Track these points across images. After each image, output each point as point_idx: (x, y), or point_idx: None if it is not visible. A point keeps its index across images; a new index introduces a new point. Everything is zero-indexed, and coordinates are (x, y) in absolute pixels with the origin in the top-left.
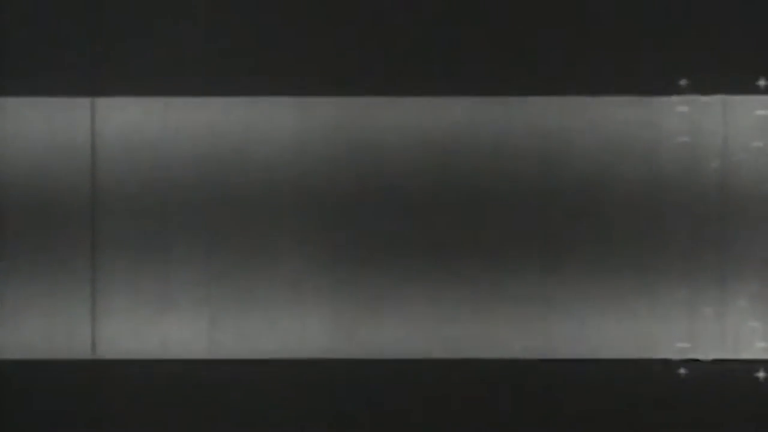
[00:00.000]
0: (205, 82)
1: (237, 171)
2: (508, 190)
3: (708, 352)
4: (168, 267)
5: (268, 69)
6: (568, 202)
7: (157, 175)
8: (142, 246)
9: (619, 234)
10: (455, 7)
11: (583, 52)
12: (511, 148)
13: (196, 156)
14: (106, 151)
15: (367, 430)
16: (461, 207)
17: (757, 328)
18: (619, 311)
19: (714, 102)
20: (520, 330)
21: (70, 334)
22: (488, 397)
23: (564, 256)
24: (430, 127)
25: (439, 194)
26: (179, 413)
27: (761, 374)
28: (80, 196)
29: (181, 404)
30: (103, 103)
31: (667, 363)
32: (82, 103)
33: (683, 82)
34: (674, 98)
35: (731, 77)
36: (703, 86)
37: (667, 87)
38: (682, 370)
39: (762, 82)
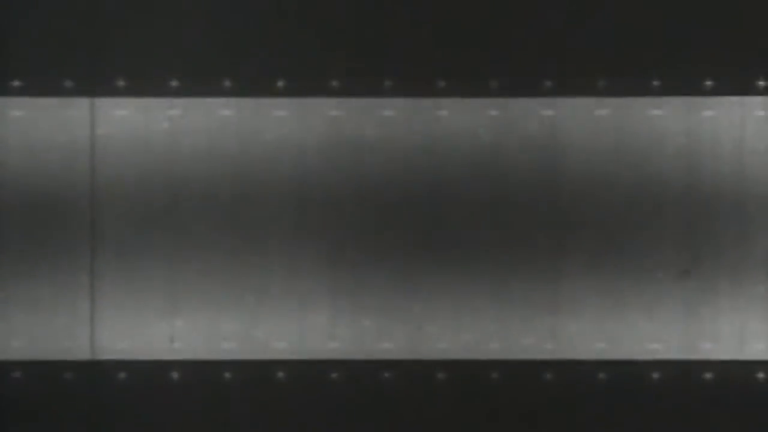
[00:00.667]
0: (205, 83)
1: (238, 171)
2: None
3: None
4: (168, 266)
5: (269, 69)
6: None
7: (157, 176)
8: (142, 246)
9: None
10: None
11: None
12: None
13: (196, 156)
14: (105, 151)
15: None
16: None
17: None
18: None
19: None
20: (521, 330)
21: (69, 334)
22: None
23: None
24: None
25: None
26: (179, 414)
27: (761, 375)
28: (79, 196)
29: (181, 404)
30: (103, 103)
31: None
32: (81, 103)
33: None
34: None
35: None
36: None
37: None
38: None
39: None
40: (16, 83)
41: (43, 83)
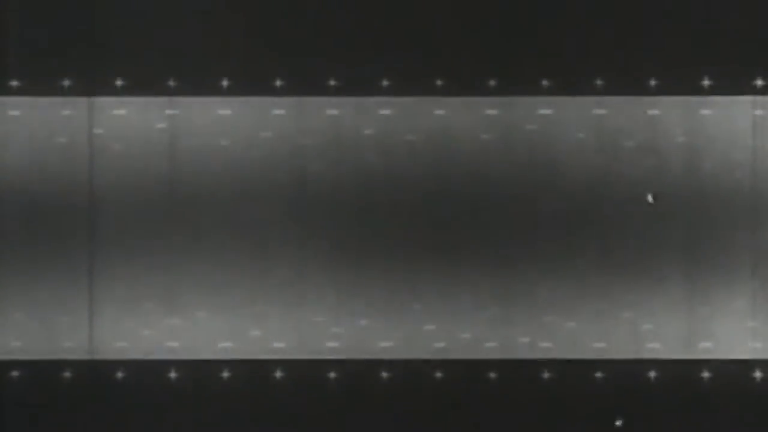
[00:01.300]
0: (205, 83)
1: (237, 170)
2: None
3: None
4: (168, 266)
5: (269, 69)
6: None
7: (156, 175)
8: (141, 245)
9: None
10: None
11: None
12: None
13: (196, 155)
14: (103, 149)
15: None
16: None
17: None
18: None
19: None
20: (522, 329)
21: (69, 334)
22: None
23: None
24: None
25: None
26: (179, 414)
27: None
28: (78, 194)
29: (181, 405)
30: (101, 102)
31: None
32: (80, 102)
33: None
34: None
35: None
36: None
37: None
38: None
39: None
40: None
41: (43, 83)
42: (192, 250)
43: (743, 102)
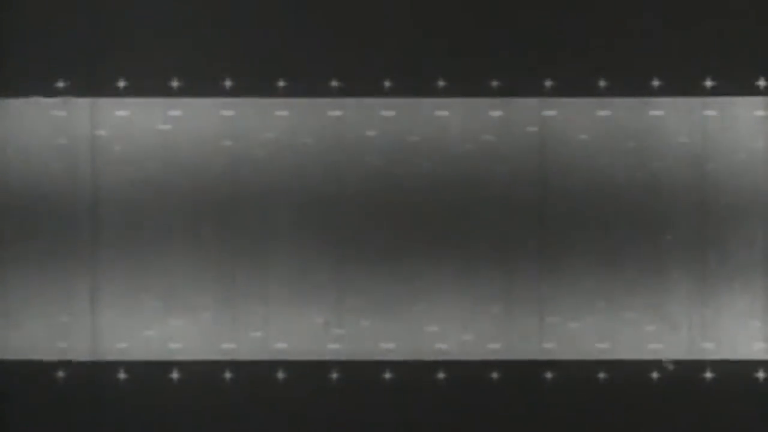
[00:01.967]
0: (206, 83)
1: (239, 171)
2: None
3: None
4: (169, 267)
5: (269, 69)
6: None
7: (158, 176)
8: (143, 247)
9: None
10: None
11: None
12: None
13: (197, 156)
14: (106, 151)
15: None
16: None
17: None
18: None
19: None
20: (522, 330)
21: (70, 335)
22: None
23: None
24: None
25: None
26: (177, 414)
27: (761, 375)
28: (80, 197)
29: (179, 406)
30: (103, 103)
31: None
32: (82, 103)
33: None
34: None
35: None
36: None
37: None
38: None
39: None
40: (22, 83)
41: (43, 84)
42: (194, 250)
43: None
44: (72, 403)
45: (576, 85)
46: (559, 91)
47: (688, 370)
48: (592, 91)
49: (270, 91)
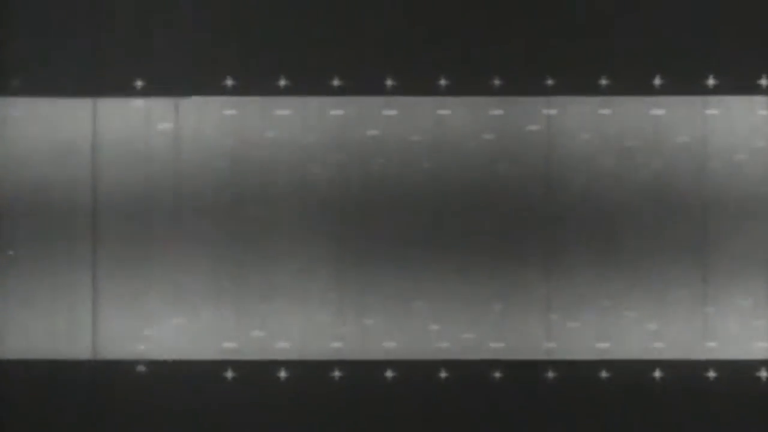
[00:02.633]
0: (206, 83)
1: (239, 171)
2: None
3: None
4: (168, 267)
5: (270, 70)
6: None
7: (158, 176)
8: (143, 247)
9: None
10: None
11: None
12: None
13: (197, 157)
14: (107, 151)
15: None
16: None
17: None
18: None
19: None
20: (522, 329)
21: (71, 334)
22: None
23: None
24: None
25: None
26: (179, 414)
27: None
28: (81, 196)
29: (180, 405)
30: (105, 103)
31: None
32: (84, 103)
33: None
34: None
35: None
36: None
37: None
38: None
39: None
40: (23, 83)
41: (45, 84)
42: (195, 251)
43: None
44: (72, 403)
45: (578, 83)
46: (560, 90)
47: (691, 369)
48: (593, 90)
49: (271, 91)
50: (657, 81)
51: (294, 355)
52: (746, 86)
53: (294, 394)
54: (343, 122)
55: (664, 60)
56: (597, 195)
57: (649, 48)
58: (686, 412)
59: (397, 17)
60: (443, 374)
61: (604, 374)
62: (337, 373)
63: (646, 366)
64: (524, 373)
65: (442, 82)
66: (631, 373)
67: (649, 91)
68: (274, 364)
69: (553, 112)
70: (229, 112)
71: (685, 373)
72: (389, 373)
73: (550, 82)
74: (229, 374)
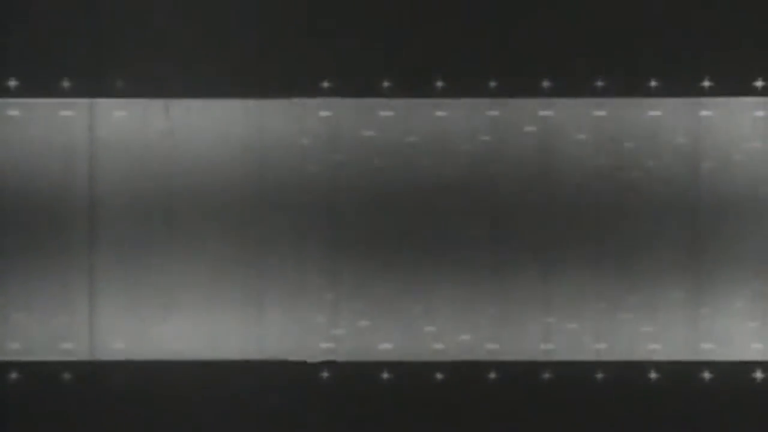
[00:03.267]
0: (205, 84)
1: (238, 172)
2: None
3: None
4: (168, 268)
5: (269, 70)
6: None
7: (157, 177)
8: (141, 248)
9: None
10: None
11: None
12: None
13: (196, 157)
14: (104, 152)
15: None
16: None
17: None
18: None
19: None
20: (521, 330)
21: (69, 335)
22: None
23: None
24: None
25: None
26: (178, 415)
27: (758, 375)
28: (78, 197)
29: (180, 405)
30: (102, 104)
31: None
32: (81, 104)
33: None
34: None
35: None
36: None
37: None
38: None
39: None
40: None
41: (43, 84)
42: (194, 251)
43: None
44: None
45: (573, 85)
46: (556, 92)
47: (686, 370)
48: (589, 92)
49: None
50: (653, 83)
51: (292, 357)
52: (742, 88)
53: (288, 396)
54: (334, 122)
55: (659, 62)
56: (592, 196)
57: (645, 50)
58: (681, 413)
59: (393, 18)
60: (439, 376)
61: (600, 375)
62: (326, 374)
63: (641, 367)
64: (520, 374)
65: (439, 83)
66: (627, 375)
67: (645, 92)
68: (274, 364)
69: (549, 113)
70: (439, 113)
71: (681, 375)
72: (385, 375)
73: (546, 83)
74: (228, 376)
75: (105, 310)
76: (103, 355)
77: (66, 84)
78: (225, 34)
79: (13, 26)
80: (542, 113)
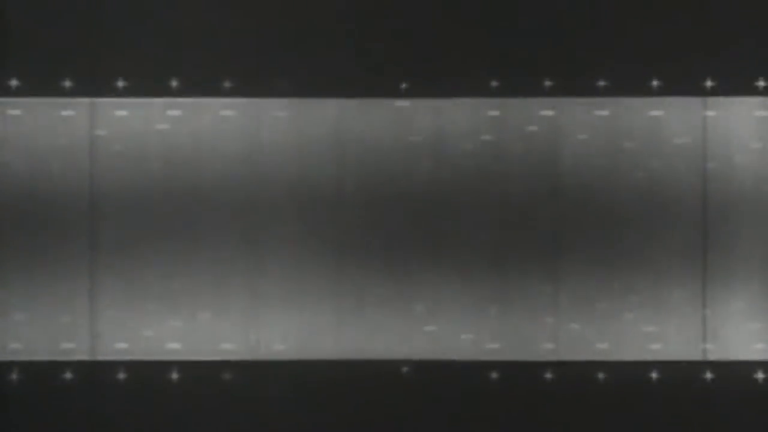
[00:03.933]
0: (205, 84)
1: (237, 172)
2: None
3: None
4: (167, 268)
5: (269, 70)
6: None
7: (156, 177)
8: (141, 247)
9: None
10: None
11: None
12: None
13: (195, 157)
14: (104, 151)
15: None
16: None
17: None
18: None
19: None
20: (520, 330)
21: (69, 335)
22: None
23: None
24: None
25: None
26: (178, 414)
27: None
28: (79, 196)
29: (180, 405)
30: (103, 104)
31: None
32: (82, 103)
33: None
34: None
35: None
36: None
37: None
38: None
39: None
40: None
41: (43, 84)
42: (193, 251)
43: None
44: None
45: (576, 85)
46: (558, 91)
47: (689, 370)
48: (591, 91)
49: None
50: (655, 82)
51: (292, 356)
52: (744, 88)
53: (291, 395)
54: (338, 125)
55: (662, 62)
56: (595, 196)
57: (648, 50)
58: (684, 413)
59: (397, 21)
60: (442, 375)
61: (602, 375)
62: (330, 374)
63: (643, 367)
64: (522, 374)
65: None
66: (629, 375)
67: (647, 92)
68: (272, 365)
69: (551, 113)
70: (226, 113)
71: (683, 375)
72: (388, 374)
73: (548, 83)
74: (227, 375)
75: (105, 310)
76: (103, 355)
77: (67, 84)
78: (225, 34)
79: (13, 26)
80: (546, 114)
